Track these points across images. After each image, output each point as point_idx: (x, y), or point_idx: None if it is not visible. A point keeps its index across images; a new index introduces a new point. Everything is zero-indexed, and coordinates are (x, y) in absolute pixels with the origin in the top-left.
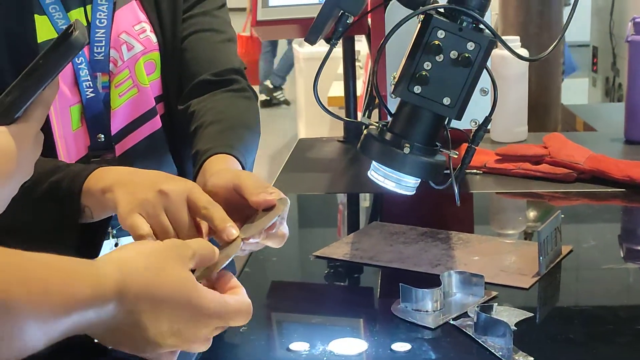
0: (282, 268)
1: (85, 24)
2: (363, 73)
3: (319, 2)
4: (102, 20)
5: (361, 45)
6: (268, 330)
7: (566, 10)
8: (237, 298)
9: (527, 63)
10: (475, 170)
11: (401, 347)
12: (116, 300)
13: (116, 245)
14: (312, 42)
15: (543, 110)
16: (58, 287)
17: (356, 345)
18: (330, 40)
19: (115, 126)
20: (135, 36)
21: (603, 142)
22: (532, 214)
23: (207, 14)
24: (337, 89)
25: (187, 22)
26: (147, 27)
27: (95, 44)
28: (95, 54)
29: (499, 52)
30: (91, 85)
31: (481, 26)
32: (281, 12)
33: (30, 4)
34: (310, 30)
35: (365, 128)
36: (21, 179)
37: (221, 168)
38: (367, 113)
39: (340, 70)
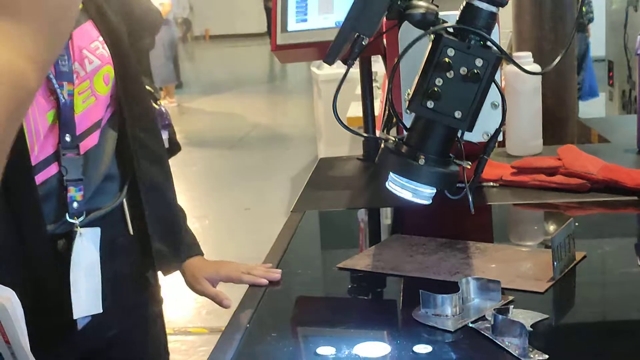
0: (307, 280)
1: None
2: (380, 93)
3: (334, 26)
4: None
5: (378, 66)
6: (296, 337)
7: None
8: None
9: (540, 78)
10: (492, 183)
11: (423, 349)
12: None
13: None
14: (331, 62)
15: (559, 124)
16: None
17: (380, 348)
18: (347, 61)
19: (79, 128)
20: (92, 52)
21: (616, 153)
22: (547, 223)
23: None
24: (356, 110)
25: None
26: (100, 44)
27: (59, 57)
28: (61, 66)
29: (513, 68)
30: (60, 92)
31: (488, 43)
32: (299, 37)
33: None
34: (328, 52)
35: (383, 143)
36: None
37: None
38: (385, 130)
39: (358, 91)
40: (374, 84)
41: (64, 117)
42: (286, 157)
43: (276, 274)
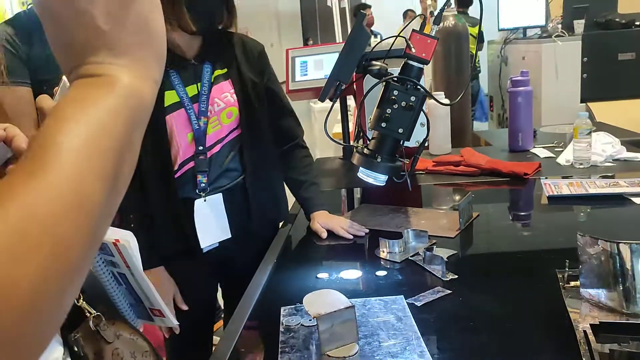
0: (308, 232)
1: (197, 92)
2: (352, 118)
3: (324, 77)
4: (205, 91)
5: (351, 101)
6: (304, 268)
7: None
8: None
9: (449, 108)
10: (421, 171)
11: (381, 273)
12: None
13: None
14: (322, 100)
15: (460, 135)
16: None
17: (355, 273)
18: (332, 99)
19: (208, 142)
20: (221, 99)
21: (496, 152)
22: (455, 196)
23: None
24: (338, 128)
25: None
26: (228, 95)
27: (201, 102)
28: (201, 107)
29: (433, 102)
30: (197, 123)
31: (418, 87)
32: (303, 84)
33: (162, 85)
34: (321, 93)
35: (355, 148)
36: None
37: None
38: (356, 141)
39: (339, 117)
40: (348, 113)
41: (197, 136)
42: None
43: (362, 232)
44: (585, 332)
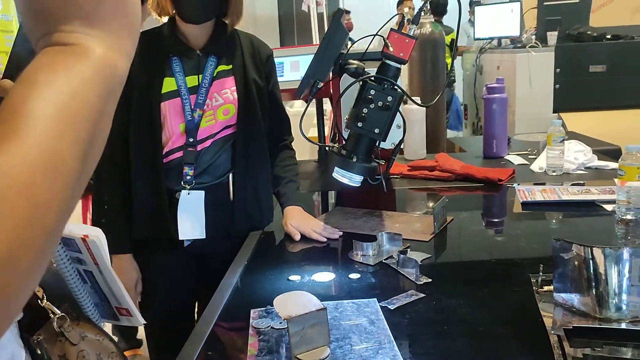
0: (283, 234)
1: (197, 84)
2: (328, 122)
3: (300, 79)
4: (205, 84)
5: (327, 105)
6: (276, 270)
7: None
8: None
9: (424, 112)
10: (396, 176)
11: (354, 275)
12: None
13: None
14: (298, 97)
15: (435, 141)
16: None
17: (328, 276)
18: (308, 100)
19: (200, 136)
20: (220, 95)
21: (470, 158)
22: (429, 200)
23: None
24: (313, 132)
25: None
26: (228, 92)
27: (199, 95)
28: (199, 99)
29: (409, 106)
30: (191, 114)
31: (395, 87)
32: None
33: (163, 70)
34: (297, 91)
35: (331, 149)
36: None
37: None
38: (332, 142)
39: (315, 121)
40: (324, 117)
41: (189, 128)
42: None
43: (336, 235)
44: (559, 336)
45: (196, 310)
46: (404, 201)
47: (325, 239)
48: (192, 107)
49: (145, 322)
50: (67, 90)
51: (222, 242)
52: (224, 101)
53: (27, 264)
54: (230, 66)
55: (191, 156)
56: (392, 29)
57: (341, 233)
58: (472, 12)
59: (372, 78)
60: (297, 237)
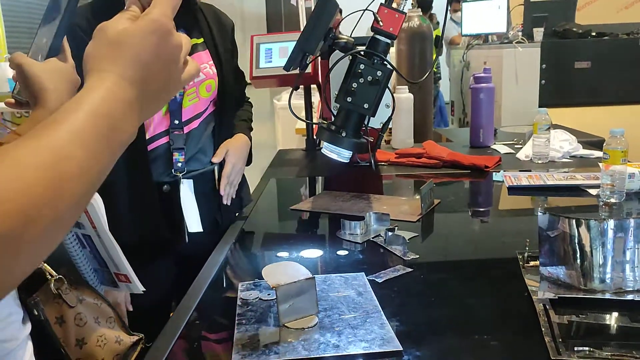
0: (273, 215)
1: None
2: (316, 114)
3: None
4: None
5: (315, 97)
6: (265, 246)
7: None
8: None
9: (412, 101)
10: (384, 163)
11: (342, 252)
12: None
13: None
14: (287, 69)
15: (422, 132)
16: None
17: (317, 252)
18: (298, 71)
19: (184, 116)
20: (201, 70)
21: (457, 147)
22: (416, 186)
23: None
24: (301, 124)
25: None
26: (207, 66)
27: None
28: None
29: (396, 95)
30: None
31: (385, 62)
32: (266, 71)
33: None
34: (286, 63)
35: (319, 125)
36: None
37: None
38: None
39: (303, 114)
40: (312, 109)
41: (172, 109)
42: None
43: (233, 192)
44: (544, 305)
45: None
46: (391, 187)
47: (223, 192)
48: None
49: (144, 289)
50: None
51: (208, 236)
52: (205, 76)
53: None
54: (202, 40)
55: (179, 140)
56: (381, 4)
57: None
58: (452, 11)
59: (362, 53)
60: (216, 159)
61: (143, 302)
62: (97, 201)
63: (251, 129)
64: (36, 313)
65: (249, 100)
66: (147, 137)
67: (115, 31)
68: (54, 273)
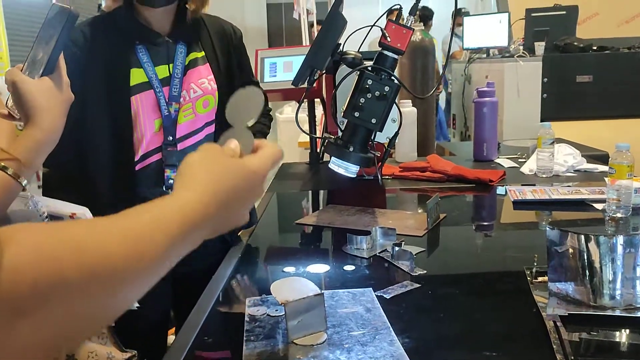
0: (278, 229)
1: (168, 74)
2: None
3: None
4: (178, 74)
5: (318, 110)
6: (271, 261)
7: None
8: (267, 150)
9: (415, 115)
10: (387, 177)
11: (349, 268)
12: (203, 216)
13: None
14: (295, 85)
15: (425, 146)
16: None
17: (323, 267)
18: (306, 86)
19: (179, 133)
20: (198, 85)
21: (461, 161)
22: (421, 200)
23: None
24: (305, 138)
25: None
26: (206, 81)
27: (173, 86)
28: (173, 91)
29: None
30: (167, 109)
31: (392, 78)
32: (271, 85)
33: (128, 61)
34: (294, 78)
35: (326, 139)
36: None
37: None
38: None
39: (307, 127)
40: (315, 122)
41: (166, 124)
42: None
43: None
44: (555, 322)
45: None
46: (396, 201)
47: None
48: (167, 100)
49: (139, 305)
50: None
51: (203, 252)
52: (202, 92)
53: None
54: (203, 53)
55: (172, 156)
56: (389, 20)
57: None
58: (454, 25)
59: (370, 68)
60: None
61: (136, 317)
62: (87, 215)
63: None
64: None
65: (270, 111)
66: (140, 154)
67: (217, 163)
68: None
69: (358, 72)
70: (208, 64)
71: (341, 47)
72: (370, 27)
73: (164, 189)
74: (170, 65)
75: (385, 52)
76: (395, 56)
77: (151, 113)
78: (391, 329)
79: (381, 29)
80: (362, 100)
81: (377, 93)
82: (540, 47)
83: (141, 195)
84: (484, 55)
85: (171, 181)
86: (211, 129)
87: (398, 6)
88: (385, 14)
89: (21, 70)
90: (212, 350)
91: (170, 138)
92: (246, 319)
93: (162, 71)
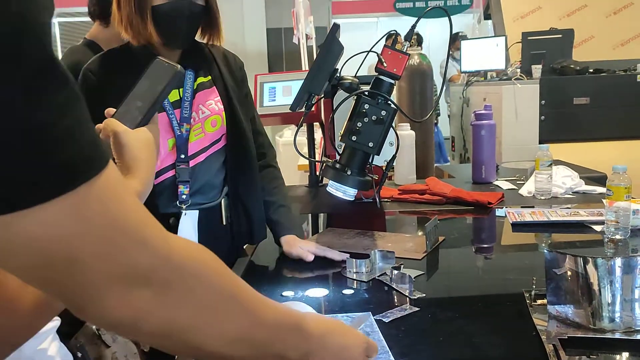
0: (275, 253)
1: (179, 98)
2: (318, 151)
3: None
4: (188, 97)
5: (317, 134)
6: (268, 286)
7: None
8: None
9: (414, 138)
10: (387, 199)
11: (348, 291)
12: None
13: None
14: (293, 110)
15: (424, 169)
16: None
17: (321, 291)
18: (303, 115)
19: (190, 151)
20: (206, 107)
21: (460, 184)
22: (420, 222)
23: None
24: (304, 161)
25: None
26: (213, 102)
27: (184, 108)
28: (184, 113)
29: (399, 132)
30: (179, 129)
31: (389, 102)
32: (270, 110)
33: None
34: (292, 103)
35: (324, 163)
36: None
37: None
38: (323, 157)
39: (306, 150)
40: (314, 145)
41: (179, 144)
42: None
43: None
44: (554, 345)
45: None
46: (395, 223)
47: (339, 258)
48: (179, 121)
49: None
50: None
51: None
52: (210, 112)
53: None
54: (209, 77)
55: (185, 173)
56: (385, 45)
57: (347, 255)
58: (454, 48)
59: (366, 93)
60: (310, 257)
61: None
62: None
63: (291, 211)
64: (80, 355)
65: (276, 162)
66: (155, 171)
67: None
68: None
69: (355, 97)
70: (215, 87)
71: (339, 72)
72: (367, 53)
73: (178, 203)
74: (181, 89)
75: (382, 77)
76: (392, 81)
77: (165, 133)
78: (390, 353)
79: (377, 55)
80: (359, 124)
81: (374, 117)
82: (537, 70)
83: (159, 209)
84: (482, 79)
85: (184, 196)
86: (218, 146)
87: (394, 32)
88: (384, 39)
89: (113, 116)
90: None
91: (183, 156)
92: None
93: (173, 95)
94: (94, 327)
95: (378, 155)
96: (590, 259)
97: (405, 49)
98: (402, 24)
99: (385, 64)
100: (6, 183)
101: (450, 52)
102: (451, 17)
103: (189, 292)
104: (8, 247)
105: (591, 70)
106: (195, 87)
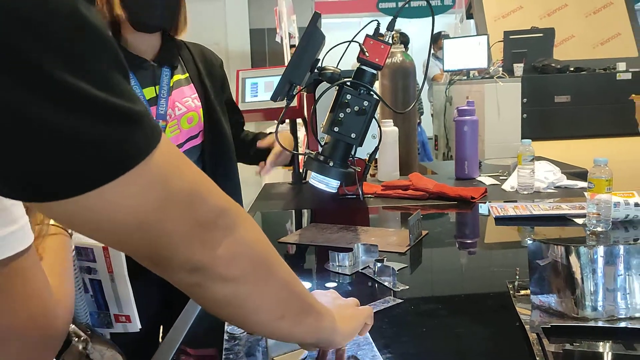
0: None
1: (155, 95)
2: (302, 147)
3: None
4: (164, 94)
5: (301, 132)
6: None
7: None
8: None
9: (397, 134)
10: (370, 195)
11: (331, 285)
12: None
13: None
14: (274, 100)
15: (407, 165)
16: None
17: (305, 285)
18: (286, 102)
19: None
20: (182, 103)
21: (443, 180)
22: (403, 217)
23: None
24: None
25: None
26: (189, 99)
27: (160, 106)
28: (160, 110)
29: (382, 128)
30: None
31: (371, 92)
32: (251, 105)
33: None
34: (273, 94)
35: (307, 155)
36: None
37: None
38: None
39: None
40: (298, 143)
41: None
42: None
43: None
44: (538, 334)
45: (160, 335)
46: (378, 219)
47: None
48: (155, 118)
49: (140, 327)
50: None
51: None
52: (186, 109)
53: None
54: (187, 75)
55: None
56: (367, 35)
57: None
58: (437, 48)
59: (348, 83)
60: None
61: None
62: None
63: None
64: None
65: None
66: None
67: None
68: (81, 334)
69: (337, 88)
70: (192, 84)
71: (320, 63)
72: (348, 43)
73: None
74: (157, 87)
75: (364, 67)
76: (374, 71)
77: None
78: (373, 344)
79: (359, 44)
80: (341, 115)
81: (356, 108)
82: (519, 68)
83: None
84: (465, 77)
85: None
86: (194, 142)
87: (376, 21)
88: (363, 28)
89: None
90: None
91: None
92: (225, 337)
93: (149, 92)
94: (80, 346)
95: (361, 146)
96: (572, 248)
97: (387, 39)
98: (385, 24)
99: (367, 54)
100: (86, 162)
101: (433, 52)
102: (434, 16)
103: (251, 230)
104: (101, 217)
105: (572, 69)
106: (171, 85)
